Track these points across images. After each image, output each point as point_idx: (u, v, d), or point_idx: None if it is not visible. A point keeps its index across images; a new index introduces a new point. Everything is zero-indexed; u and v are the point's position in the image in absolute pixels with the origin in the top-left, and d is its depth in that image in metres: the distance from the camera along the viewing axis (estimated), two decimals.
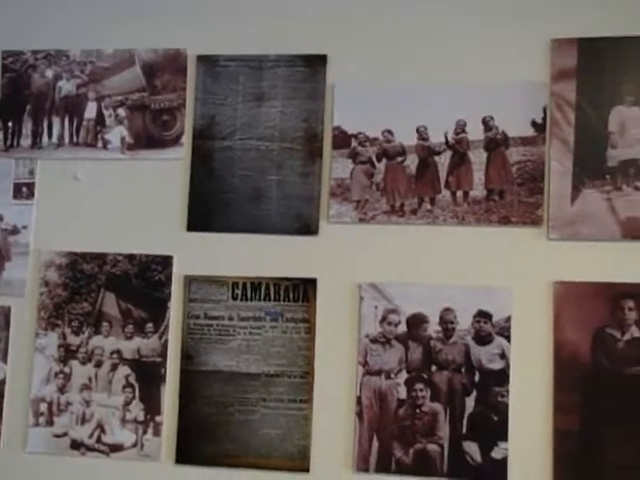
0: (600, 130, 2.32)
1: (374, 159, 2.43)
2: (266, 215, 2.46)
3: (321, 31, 2.48)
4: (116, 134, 2.56)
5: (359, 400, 2.34)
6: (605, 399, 2.23)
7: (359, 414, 2.34)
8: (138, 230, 2.51)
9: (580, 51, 2.33)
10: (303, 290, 2.41)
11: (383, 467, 2.31)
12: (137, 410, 2.45)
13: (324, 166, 2.45)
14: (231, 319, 2.44)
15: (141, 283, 2.49)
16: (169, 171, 2.52)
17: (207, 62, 2.53)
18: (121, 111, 2.57)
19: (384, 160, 2.43)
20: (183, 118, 2.53)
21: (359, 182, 2.43)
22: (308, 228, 2.43)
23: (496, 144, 2.37)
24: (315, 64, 2.47)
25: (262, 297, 2.43)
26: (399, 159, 2.42)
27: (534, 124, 2.35)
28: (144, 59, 2.57)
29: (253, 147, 2.48)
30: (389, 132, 2.42)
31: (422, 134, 2.41)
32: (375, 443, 2.32)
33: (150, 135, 2.55)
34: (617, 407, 2.22)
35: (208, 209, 2.48)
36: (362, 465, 2.32)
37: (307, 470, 2.35)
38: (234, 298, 2.44)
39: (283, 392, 2.38)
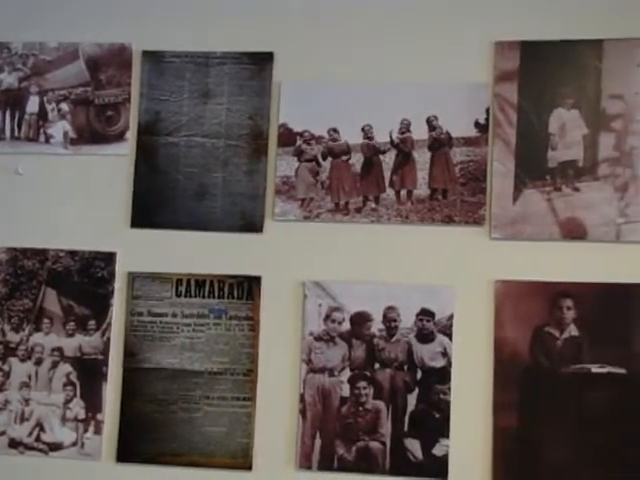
0: (541, 131, 2.36)
1: (319, 157, 2.44)
2: (211, 212, 2.45)
3: (268, 29, 2.48)
4: (59, 129, 2.53)
5: (302, 398, 2.34)
6: (543, 397, 2.27)
7: (302, 412, 2.34)
8: (81, 226, 2.48)
9: (522, 54, 2.37)
10: (247, 288, 2.40)
11: (325, 464, 2.32)
12: (78, 408, 2.42)
13: (269, 164, 2.45)
14: (175, 316, 2.42)
15: (83, 279, 2.46)
16: (113, 167, 2.49)
17: (152, 58, 2.51)
18: (64, 105, 2.53)
19: (329, 158, 2.44)
20: (128, 114, 2.50)
21: (304, 180, 2.44)
22: (253, 226, 2.43)
23: (440, 144, 2.40)
24: (261, 62, 2.46)
25: (206, 294, 2.42)
26: (344, 157, 2.43)
27: (477, 125, 2.38)
28: (88, 53, 2.54)
29: (198, 144, 2.47)
30: (334, 130, 2.43)
31: (367, 133, 2.42)
32: (318, 441, 2.33)
33: (94, 130, 2.52)
34: (555, 405, 2.26)
35: (152, 205, 2.47)
36: (305, 463, 2.32)
37: (250, 468, 2.35)
38: (178, 295, 2.43)
39: (226, 390, 2.38)
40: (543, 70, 2.37)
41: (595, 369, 2.25)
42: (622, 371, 2.23)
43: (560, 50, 2.36)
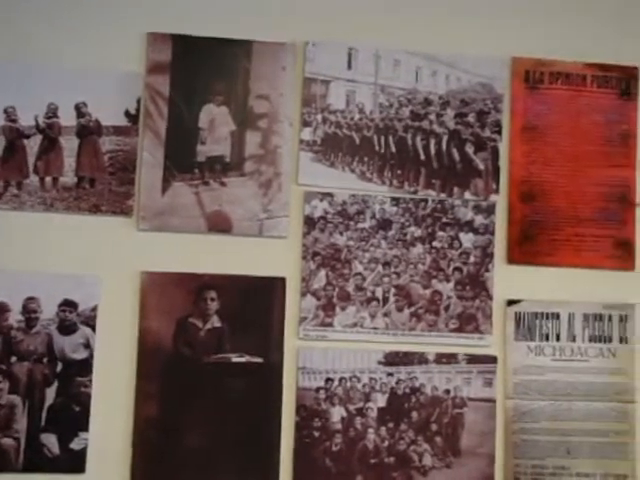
0: (191, 125, 2.39)
1: None
2: None
3: None
4: None
5: None
6: (186, 386, 2.30)
7: None
8: None
9: (174, 47, 2.39)
10: None
11: None
12: None
13: None
14: None
15: None
16: None
17: None
18: None
19: None
20: None
21: None
22: None
23: (88, 131, 2.35)
24: None
25: None
26: None
27: (128, 114, 2.36)
28: None
29: None
30: None
31: (10, 115, 2.31)
32: None
33: None
34: (196, 393, 2.30)
35: None
36: None
37: None
38: None
39: None
40: (195, 65, 2.40)
41: (235, 358, 2.33)
42: (259, 360, 2.33)
43: (212, 47, 2.41)
